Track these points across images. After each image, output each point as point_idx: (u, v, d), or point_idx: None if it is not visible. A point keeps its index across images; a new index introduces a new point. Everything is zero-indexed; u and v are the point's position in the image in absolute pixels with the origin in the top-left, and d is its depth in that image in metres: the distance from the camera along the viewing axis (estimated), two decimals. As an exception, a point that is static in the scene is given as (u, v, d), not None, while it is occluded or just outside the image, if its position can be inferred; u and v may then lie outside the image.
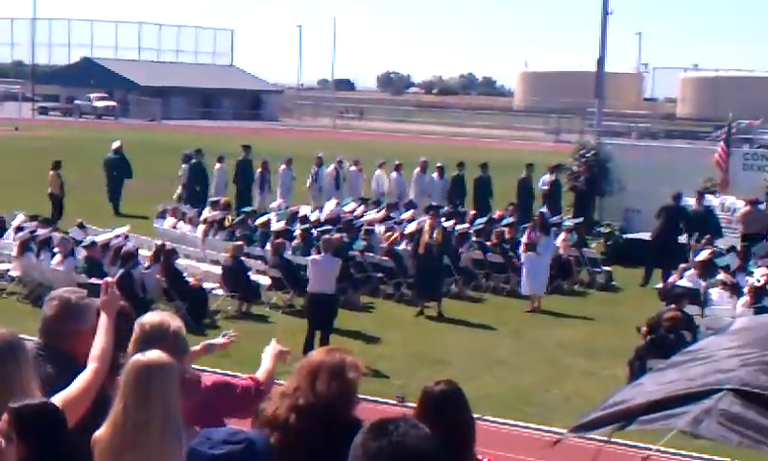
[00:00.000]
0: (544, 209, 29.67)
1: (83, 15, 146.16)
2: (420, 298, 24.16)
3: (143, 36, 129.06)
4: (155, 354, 5.57)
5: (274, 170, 37.63)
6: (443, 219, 28.13)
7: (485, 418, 14.39)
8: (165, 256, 22.68)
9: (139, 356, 5.58)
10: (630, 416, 5.47)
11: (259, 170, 37.15)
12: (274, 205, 33.47)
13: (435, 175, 38.13)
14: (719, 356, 5.51)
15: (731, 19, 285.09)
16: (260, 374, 7.18)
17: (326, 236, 21.95)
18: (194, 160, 37.02)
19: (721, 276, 21.93)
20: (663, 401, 5.22)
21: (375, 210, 31.16)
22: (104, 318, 6.34)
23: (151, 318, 6.38)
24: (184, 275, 22.82)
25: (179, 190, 36.52)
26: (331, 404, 5.79)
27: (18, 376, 5.67)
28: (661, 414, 5.27)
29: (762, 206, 29.92)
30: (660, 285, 23.60)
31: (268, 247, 26.00)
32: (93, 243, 23.01)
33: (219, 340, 8.27)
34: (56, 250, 23.33)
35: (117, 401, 5.52)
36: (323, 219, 28.66)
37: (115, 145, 38.80)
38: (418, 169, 38.58)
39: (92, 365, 6.10)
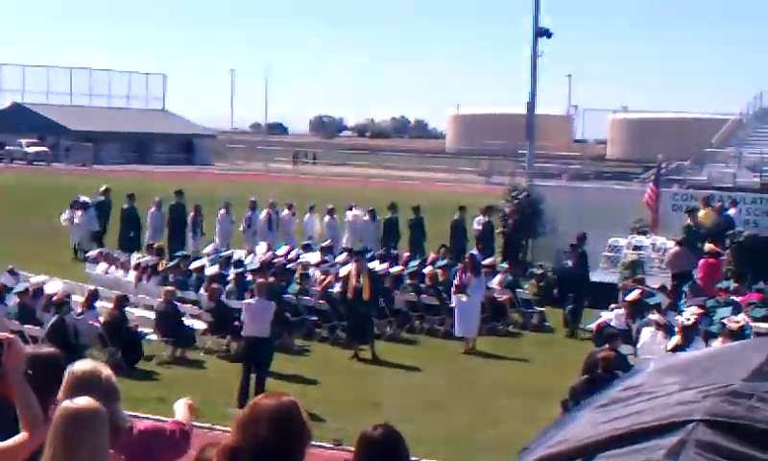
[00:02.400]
0: (474, 251, 29.86)
1: (13, 60, 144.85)
2: (353, 341, 24.18)
3: (74, 81, 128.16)
4: (83, 401, 5.53)
5: (207, 214, 37.56)
6: (376, 262, 28.29)
7: None
8: (118, 302, 22.59)
9: (68, 403, 5.54)
10: (588, 452, 5.47)
11: (192, 214, 37.02)
12: (207, 249, 33.40)
13: (367, 217, 38.22)
14: (669, 390, 5.54)
15: (659, 62, 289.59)
16: (182, 418, 7.19)
17: (260, 280, 21.92)
18: (126, 206, 36.88)
19: (654, 316, 22.14)
20: (626, 435, 5.23)
21: (309, 254, 31.14)
22: (15, 380, 6.19)
23: (82, 365, 6.33)
24: (128, 322, 22.67)
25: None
26: (277, 452, 5.77)
27: None
28: (629, 448, 5.29)
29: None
30: (593, 326, 23.79)
31: (202, 291, 25.93)
32: (26, 290, 22.82)
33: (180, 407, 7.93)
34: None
35: (46, 448, 5.48)
36: (256, 263, 28.58)
37: (102, 189, 40.16)
38: (348, 212, 38.75)
39: (24, 434, 5.99)
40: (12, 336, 6.50)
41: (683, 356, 6.82)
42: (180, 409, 7.37)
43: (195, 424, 7.46)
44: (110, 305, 23.23)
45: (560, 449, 5.62)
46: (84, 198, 38.91)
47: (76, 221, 37.57)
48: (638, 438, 5.13)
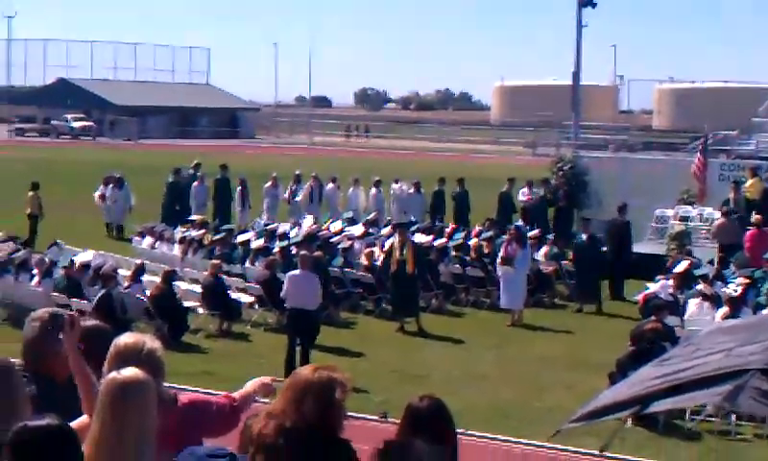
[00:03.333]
0: (520, 223, 29.71)
1: (58, 36, 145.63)
2: (398, 314, 24.16)
3: (119, 56, 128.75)
4: (130, 371, 5.53)
5: (253, 187, 37.71)
6: (421, 234, 28.24)
7: (467, 432, 14.38)
8: (166, 276, 22.69)
9: (115, 374, 5.53)
10: (646, 400, 5.50)
11: (239, 188, 37.20)
12: (259, 221, 33.54)
13: (412, 190, 38.22)
14: (725, 347, 5.59)
15: (705, 31, 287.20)
16: (237, 393, 7.13)
17: (303, 252, 21.90)
18: (171, 179, 37.05)
19: (700, 286, 21.97)
20: (683, 386, 5.28)
21: (354, 226, 31.13)
22: (76, 360, 6.27)
23: (125, 339, 6.33)
24: (177, 295, 22.78)
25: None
26: (318, 426, 5.75)
27: (11, 401, 5.63)
28: (685, 396, 5.35)
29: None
30: (638, 297, 23.63)
31: (248, 264, 26.01)
32: (72, 262, 22.98)
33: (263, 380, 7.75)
34: (33, 271, 23.29)
35: (94, 420, 5.48)
36: (301, 236, 28.59)
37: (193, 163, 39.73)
38: (394, 185, 38.78)
39: (86, 418, 6.02)
40: (74, 314, 6.56)
41: (735, 321, 6.92)
42: (249, 384, 7.27)
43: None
44: (157, 279, 23.35)
45: (615, 400, 5.65)
46: (117, 173, 38.79)
47: (109, 197, 37.29)
48: (697, 386, 5.19)
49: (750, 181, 32.70)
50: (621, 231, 29.12)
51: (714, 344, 5.74)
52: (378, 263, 26.00)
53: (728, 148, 54.73)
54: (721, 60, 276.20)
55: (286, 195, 38.25)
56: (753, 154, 48.15)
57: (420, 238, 27.57)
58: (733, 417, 16.25)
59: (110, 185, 37.21)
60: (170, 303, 22.17)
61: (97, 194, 37.54)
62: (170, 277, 22.89)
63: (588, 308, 26.54)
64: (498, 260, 25.66)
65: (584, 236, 27.94)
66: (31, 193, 34.12)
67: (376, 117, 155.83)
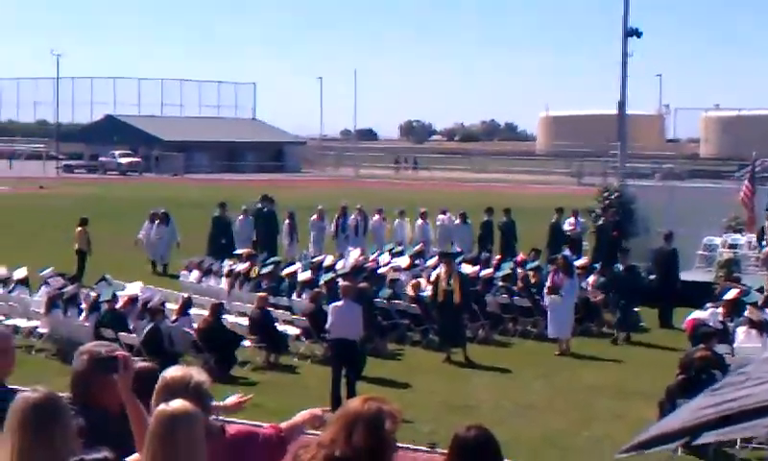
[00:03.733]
0: (567, 252, 29.59)
1: (105, 73, 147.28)
2: (445, 344, 24.12)
3: (165, 93, 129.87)
4: (179, 403, 5.54)
5: (300, 220, 37.89)
6: (467, 265, 28.22)
7: (516, 462, 14.28)
8: (214, 310, 22.76)
9: (163, 406, 5.56)
10: (697, 430, 5.47)
11: (287, 221, 37.37)
12: (306, 254, 33.68)
13: (458, 221, 38.25)
14: None
15: (751, 57, 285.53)
16: (285, 424, 7.14)
17: (346, 283, 21.91)
18: (216, 214, 37.21)
19: (748, 313, 21.76)
20: (733, 416, 5.25)
21: (400, 258, 31.12)
22: (128, 397, 6.33)
23: (173, 371, 6.35)
24: (225, 328, 22.83)
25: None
26: (368, 457, 5.73)
27: (63, 436, 5.66)
28: (736, 427, 5.31)
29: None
30: (685, 324, 23.45)
31: (294, 297, 26.07)
32: (114, 296, 23.08)
33: (231, 400, 8.12)
34: (82, 306, 23.45)
35: (144, 453, 5.50)
36: (347, 268, 28.60)
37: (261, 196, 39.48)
38: (441, 216, 38.84)
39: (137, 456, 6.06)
40: (127, 354, 6.60)
41: None
42: (299, 416, 7.28)
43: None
44: (204, 313, 23.43)
45: (666, 431, 5.62)
46: (162, 209, 38.62)
47: (154, 234, 37.02)
48: (747, 417, 5.14)
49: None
50: (668, 259, 29.01)
51: (765, 373, 5.69)
52: (425, 294, 25.96)
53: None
54: (766, 87, 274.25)
55: (332, 228, 38.31)
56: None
57: (466, 269, 27.54)
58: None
59: (156, 222, 37.21)
60: (218, 336, 22.22)
61: (142, 233, 37.34)
62: (218, 310, 22.96)
63: (636, 337, 26.40)
64: (545, 290, 25.59)
65: (621, 266, 27.81)
66: (79, 229, 34.37)
67: (422, 149, 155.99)
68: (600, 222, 35.16)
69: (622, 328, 26.52)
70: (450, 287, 23.95)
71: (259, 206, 38.31)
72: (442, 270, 24.70)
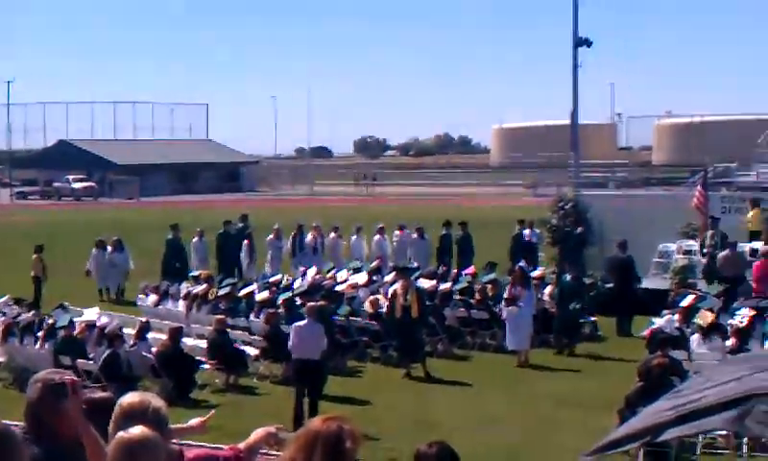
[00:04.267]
0: (522, 263, 29.65)
1: (56, 98, 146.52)
2: (404, 360, 24.12)
3: (118, 116, 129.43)
4: (139, 430, 5.52)
5: (257, 239, 37.82)
6: (424, 280, 28.26)
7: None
8: (172, 334, 22.60)
9: (122, 433, 5.53)
10: (658, 429, 5.53)
11: (245, 241, 37.27)
12: (264, 273, 33.59)
13: (415, 235, 38.26)
14: (735, 376, 5.62)
15: (701, 65, 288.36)
16: (243, 444, 7.12)
17: (310, 303, 21.89)
18: (170, 236, 36.99)
19: (698, 318, 21.87)
20: (692, 414, 5.33)
21: (357, 274, 31.09)
22: (81, 421, 6.28)
23: (130, 398, 6.31)
24: (183, 352, 22.71)
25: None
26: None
27: None
28: (695, 423, 5.38)
29: (742, 248, 30.03)
30: (644, 333, 23.56)
31: (252, 317, 26.00)
32: (71, 323, 22.92)
33: (194, 422, 8.09)
34: (38, 333, 23.28)
35: (105, 483, 5.47)
36: (305, 287, 28.55)
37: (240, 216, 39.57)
38: (397, 231, 38.86)
39: None
40: (75, 379, 6.55)
41: (747, 354, 6.97)
42: (254, 435, 7.26)
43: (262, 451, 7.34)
44: (162, 337, 23.32)
45: (628, 432, 5.68)
46: (115, 236, 37.82)
47: (107, 262, 36.01)
48: (707, 413, 5.21)
49: (751, 213, 32.76)
50: (623, 267, 29.17)
51: (724, 374, 5.75)
52: (383, 310, 25.96)
53: (728, 180, 54.79)
54: (718, 94, 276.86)
55: (289, 246, 38.18)
56: (754, 185, 48.18)
57: (424, 283, 27.59)
58: (745, 448, 16.18)
59: (109, 249, 36.48)
60: (176, 360, 22.11)
61: (90, 261, 36.37)
62: (176, 334, 22.83)
63: (593, 346, 26.53)
64: (503, 302, 25.65)
65: (568, 276, 27.82)
66: (35, 256, 34.14)
67: (376, 165, 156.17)
68: (567, 229, 35.28)
69: (565, 337, 26.45)
70: (407, 303, 23.95)
71: (222, 230, 38.08)
72: (398, 285, 24.70)
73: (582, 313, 27.11)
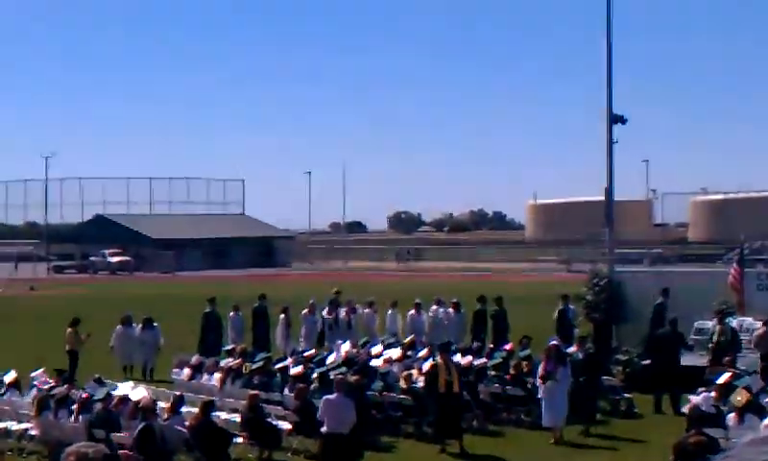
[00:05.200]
0: (556, 340, 29.51)
1: (94, 174, 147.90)
2: (442, 435, 24.00)
3: (154, 191, 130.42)
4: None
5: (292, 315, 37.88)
6: (458, 355, 28.18)
7: None
8: (204, 407, 22.59)
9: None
10: None
11: (282, 316, 37.31)
12: (297, 348, 33.58)
13: (451, 310, 38.19)
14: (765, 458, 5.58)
15: (737, 141, 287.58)
16: None
17: (339, 377, 21.91)
18: (207, 310, 37.11)
19: (738, 397, 21.67)
20: None
21: (391, 349, 31.04)
22: None
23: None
24: (215, 425, 22.69)
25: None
26: None
27: None
28: None
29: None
30: (685, 409, 23.37)
31: (287, 391, 25.96)
32: (109, 396, 22.99)
33: None
34: (73, 407, 23.33)
35: None
36: (338, 361, 28.54)
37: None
38: (434, 306, 38.70)
39: None
40: (129, 453, 6.55)
41: None
42: None
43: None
44: (196, 410, 23.31)
45: None
46: (145, 315, 37.10)
47: (137, 338, 35.49)
48: None
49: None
50: (674, 344, 28.92)
51: (756, 454, 5.69)
52: (417, 385, 25.90)
53: (765, 257, 54.58)
54: (753, 170, 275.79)
55: (325, 316, 38.12)
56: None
57: (458, 358, 27.52)
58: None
59: (139, 326, 36.04)
60: (209, 434, 22.09)
61: (113, 337, 35.74)
62: (208, 407, 22.83)
63: (630, 423, 26.33)
64: (539, 378, 25.52)
65: (580, 355, 27.54)
66: (70, 329, 34.26)
67: (411, 240, 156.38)
68: (602, 306, 35.17)
69: (573, 414, 26.08)
70: (451, 378, 23.90)
71: (257, 304, 38.23)
72: (439, 361, 24.62)
73: (592, 389, 26.70)
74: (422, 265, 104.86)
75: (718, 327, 30.03)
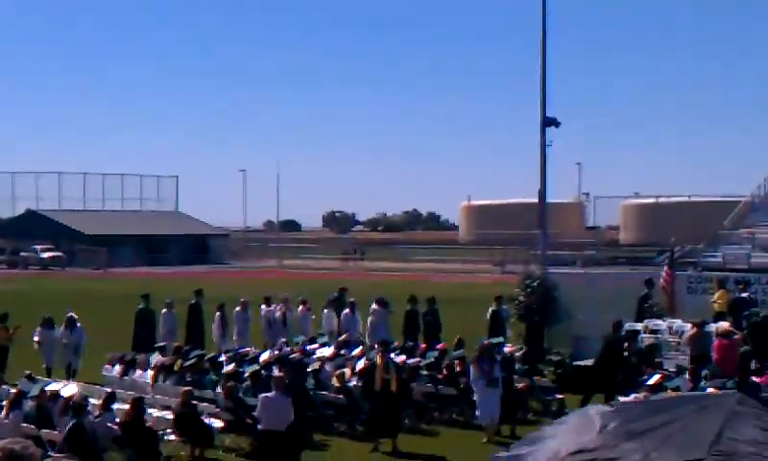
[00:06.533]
0: (486, 340, 29.68)
1: (26, 168, 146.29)
2: (376, 434, 24.06)
3: (87, 187, 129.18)
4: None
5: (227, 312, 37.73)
6: (393, 354, 28.23)
7: None
8: (135, 403, 22.45)
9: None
10: None
11: (217, 313, 37.14)
12: (232, 346, 33.44)
13: (375, 306, 38.10)
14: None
15: (669, 146, 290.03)
16: None
17: (278, 374, 21.92)
18: (141, 306, 36.87)
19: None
20: None
21: (324, 348, 31.05)
22: None
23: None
24: (145, 423, 22.61)
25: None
26: None
27: None
28: None
29: (709, 328, 30.17)
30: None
31: (219, 389, 25.90)
32: (42, 392, 22.82)
33: None
34: (3, 403, 23.12)
35: None
36: (271, 359, 28.50)
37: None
38: (374, 306, 38.66)
39: None
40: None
41: (632, 412, 6.52)
42: None
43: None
44: (127, 407, 23.20)
45: None
46: (71, 313, 35.05)
47: (59, 338, 33.63)
48: None
49: (717, 294, 32.97)
50: (617, 347, 29.08)
51: (616, 453, 5.62)
52: (351, 384, 25.96)
53: (694, 260, 55.23)
54: (684, 175, 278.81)
55: (262, 314, 38.10)
56: (719, 266, 48.56)
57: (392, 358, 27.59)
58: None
59: (63, 326, 34.11)
60: (139, 431, 22.00)
61: (35, 338, 33.83)
62: (138, 404, 22.71)
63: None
64: (471, 377, 25.66)
65: (512, 355, 27.80)
66: (-1, 325, 33.76)
67: (345, 240, 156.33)
68: (534, 306, 35.44)
69: (513, 416, 26.08)
70: (389, 376, 23.97)
71: (193, 300, 38.01)
72: (378, 359, 24.69)
73: (524, 390, 27.01)
74: (364, 265, 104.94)
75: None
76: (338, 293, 39.91)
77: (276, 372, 24.92)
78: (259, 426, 20.16)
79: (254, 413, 21.28)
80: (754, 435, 5.38)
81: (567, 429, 6.10)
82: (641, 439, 5.52)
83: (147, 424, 22.60)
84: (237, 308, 37.86)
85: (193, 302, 37.86)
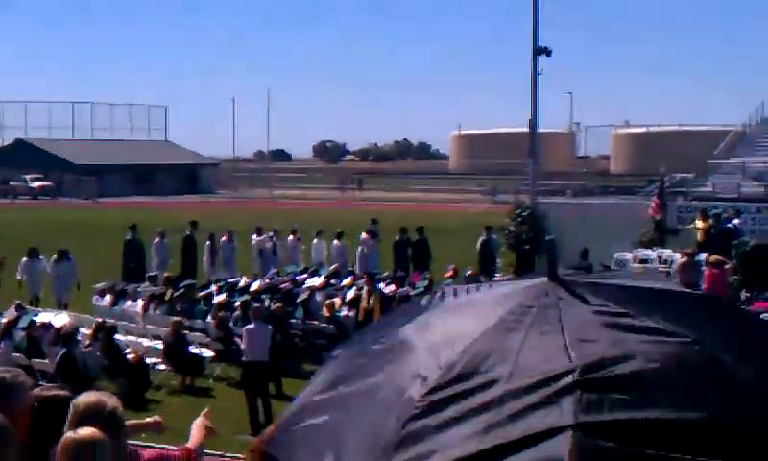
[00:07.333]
0: (471, 270, 29.70)
1: (14, 97, 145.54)
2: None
3: (77, 116, 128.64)
4: (86, 431, 5.52)
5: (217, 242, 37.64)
6: (383, 284, 28.29)
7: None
8: (105, 334, 22.55)
9: (71, 433, 5.53)
10: None
11: (208, 243, 37.06)
12: (219, 276, 33.41)
13: (364, 236, 38.18)
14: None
15: (660, 75, 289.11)
16: (191, 444, 7.22)
17: (256, 305, 21.98)
18: (129, 237, 36.66)
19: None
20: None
21: (314, 278, 31.10)
22: None
23: (85, 398, 6.27)
24: (125, 351, 22.69)
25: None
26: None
27: None
28: None
29: (700, 258, 30.24)
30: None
31: (209, 319, 25.93)
32: (32, 323, 22.83)
33: (151, 419, 8.23)
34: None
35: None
36: (260, 288, 28.52)
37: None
38: (364, 235, 38.64)
39: None
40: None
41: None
42: (195, 430, 7.41)
43: (207, 451, 7.44)
44: (120, 338, 23.32)
45: None
46: (62, 247, 34.31)
47: (51, 272, 32.77)
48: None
49: (700, 223, 33.01)
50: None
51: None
52: (341, 314, 26.01)
53: (685, 190, 55.29)
54: (676, 105, 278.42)
55: (253, 244, 38.08)
56: (710, 195, 48.61)
57: (381, 287, 27.64)
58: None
59: (54, 258, 33.13)
60: (123, 360, 22.12)
61: (18, 276, 32.75)
62: (109, 333, 22.73)
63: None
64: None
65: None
66: (-11, 254, 33.60)
67: (335, 169, 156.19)
68: (524, 236, 35.48)
69: None
70: (370, 306, 24.02)
71: (188, 232, 37.84)
72: (364, 289, 24.75)
73: None
74: (355, 195, 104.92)
75: None
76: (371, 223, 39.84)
77: (266, 304, 24.94)
78: (243, 358, 20.22)
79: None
80: None
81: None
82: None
83: (126, 352, 22.71)
84: (223, 238, 37.69)
85: (188, 233, 37.73)
